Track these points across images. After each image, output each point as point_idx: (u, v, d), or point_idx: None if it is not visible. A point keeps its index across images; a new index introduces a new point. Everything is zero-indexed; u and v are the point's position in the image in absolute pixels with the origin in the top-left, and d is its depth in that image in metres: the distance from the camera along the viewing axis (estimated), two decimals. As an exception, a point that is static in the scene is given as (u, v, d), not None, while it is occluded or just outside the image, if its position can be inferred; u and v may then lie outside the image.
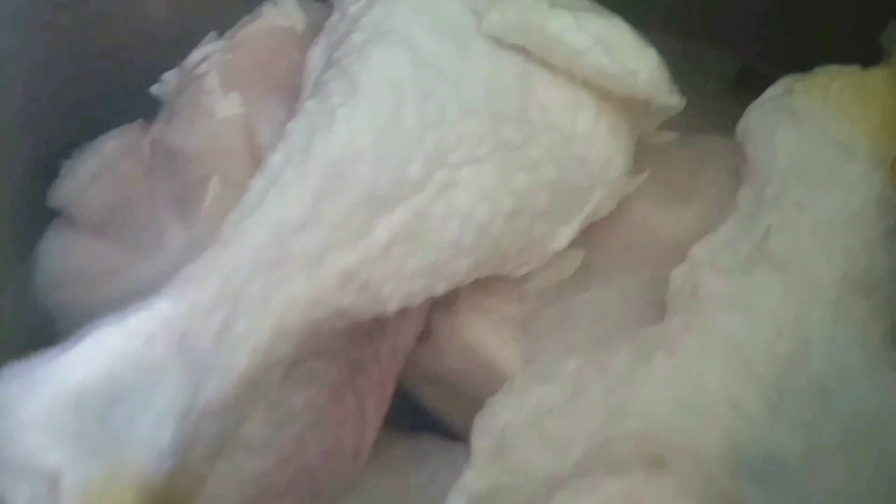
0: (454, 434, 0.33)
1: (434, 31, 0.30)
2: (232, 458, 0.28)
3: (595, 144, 0.31)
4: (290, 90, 0.33)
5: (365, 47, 0.29)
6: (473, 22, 0.30)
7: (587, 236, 0.32)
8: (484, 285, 0.31)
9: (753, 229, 0.28)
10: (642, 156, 0.33)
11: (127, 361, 0.22)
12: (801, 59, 0.32)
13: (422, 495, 0.31)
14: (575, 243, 0.31)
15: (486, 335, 0.31)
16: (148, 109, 0.36)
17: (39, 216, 0.33)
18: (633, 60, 0.30)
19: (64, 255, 0.32)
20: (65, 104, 0.36)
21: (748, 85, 0.35)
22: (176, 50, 0.36)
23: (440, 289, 0.29)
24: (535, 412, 0.27)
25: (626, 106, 0.31)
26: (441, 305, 0.32)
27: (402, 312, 0.31)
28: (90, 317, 0.29)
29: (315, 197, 0.26)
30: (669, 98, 0.31)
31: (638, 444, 0.24)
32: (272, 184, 0.26)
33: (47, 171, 0.34)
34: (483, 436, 0.27)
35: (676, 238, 0.31)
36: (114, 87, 0.36)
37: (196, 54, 0.35)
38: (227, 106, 0.33)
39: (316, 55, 0.31)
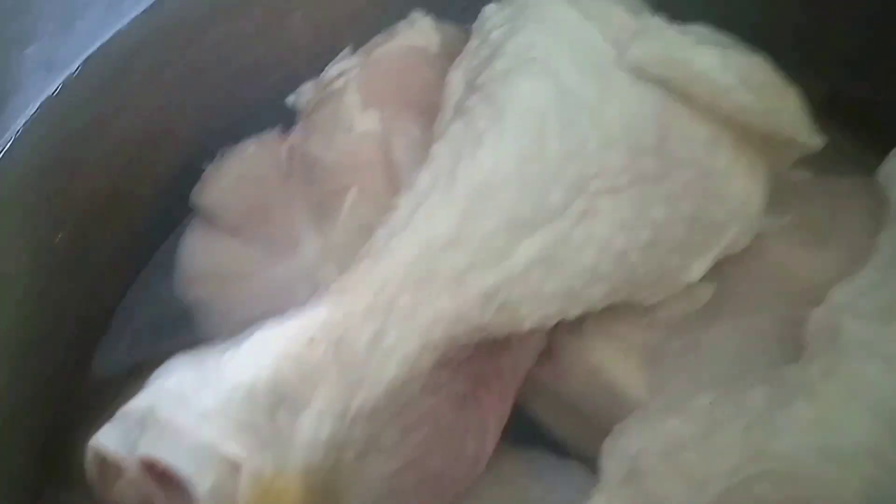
0: (567, 452, 0.34)
1: (576, 61, 0.30)
2: (365, 460, 0.28)
3: (733, 181, 0.31)
4: (423, 108, 0.34)
5: (509, 75, 0.30)
6: (614, 54, 0.31)
7: (719, 270, 0.32)
8: (613, 310, 0.31)
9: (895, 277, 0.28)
10: (777, 193, 0.33)
11: (291, 362, 0.23)
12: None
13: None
14: (707, 276, 0.32)
15: (613, 361, 0.32)
16: (282, 119, 0.37)
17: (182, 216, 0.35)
18: (776, 99, 0.31)
19: (203, 254, 0.34)
20: (207, 112, 0.37)
21: (837, 111, 0.34)
22: (312, 64, 0.38)
23: (574, 312, 0.29)
24: (670, 444, 0.27)
25: (765, 144, 0.31)
26: (566, 326, 0.33)
27: (528, 331, 0.32)
28: (225, 314, 0.31)
29: (461, 218, 0.27)
30: (810, 138, 0.31)
31: (780, 486, 0.24)
32: (419, 204, 0.27)
33: (190, 174, 0.35)
34: (614, 461, 0.27)
35: (812, 279, 0.30)
36: (252, 97, 0.38)
37: (333, 69, 0.36)
38: (365, 122, 0.34)
39: (457, 79, 0.32)
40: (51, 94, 0.32)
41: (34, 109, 0.32)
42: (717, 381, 0.28)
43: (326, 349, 0.23)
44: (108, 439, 0.20)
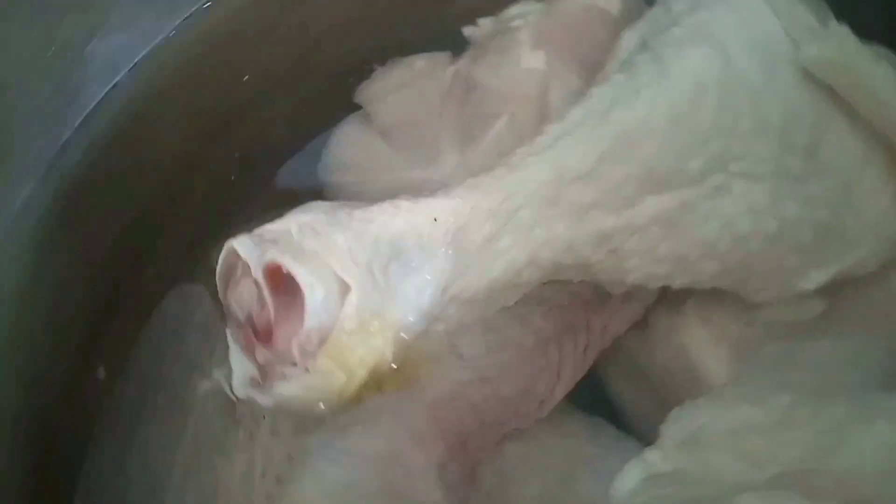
0: (627, 429, 0.34)
1: (750, 46, 0.30)
2: (441, 360, 0.30)
3: (876, 201, 0.31)
4: (589, 63, 0.35)
5: (683, 42, 0.30)
6: (790, 50, 0.31)
7: (837, 288, 0.31)
8: (717, 297, 0.32)
9: None
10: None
11: (414, 231, 0.25)
12: None
13: (587, 466, 0.32)
14: (822, 290, 0.31)
15: (704, 344, 0.32)
16: (456, 46, 0.39)
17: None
18: None
19: (352, 145, 0.36)
20: (382, 22, 0.40)
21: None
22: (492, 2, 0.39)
23: (679, 282, 0.30)
24: (737, 425, 0.27)
25: None
26: (666, 302, 0.33)
27: (627, 296, 0.33)
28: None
29: (600, 158, 0.28)
30: None
31: (842, 485, 0.24)
32: (566, 133, 0.28)
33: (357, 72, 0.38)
34: (677, 426, 0.27)
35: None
36: (432, 19, 0.40)
37: (514, 9, 0.38)
38: (532, 59, 0.35)
39: (630, 37, 0.33)
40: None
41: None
42: (803, 391, 0.28)
43: (447, 231, 0.25)
44: (242, 244, 0.23)
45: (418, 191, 0.30)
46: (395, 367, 0.24)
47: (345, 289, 0.22)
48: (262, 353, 0.23)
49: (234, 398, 0.24)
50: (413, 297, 0.24)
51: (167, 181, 0.34)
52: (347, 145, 0.37)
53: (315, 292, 0.22)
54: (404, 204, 0.25)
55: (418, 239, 0.24)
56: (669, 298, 0.33)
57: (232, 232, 0.24)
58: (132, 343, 0.34)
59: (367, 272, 0.23)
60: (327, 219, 0.24)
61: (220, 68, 0.35)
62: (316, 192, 0.36)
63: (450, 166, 0.35)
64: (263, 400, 0.23)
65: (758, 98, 0.30)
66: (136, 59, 0.33)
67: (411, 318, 0.24)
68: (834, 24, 0.32)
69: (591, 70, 0.34)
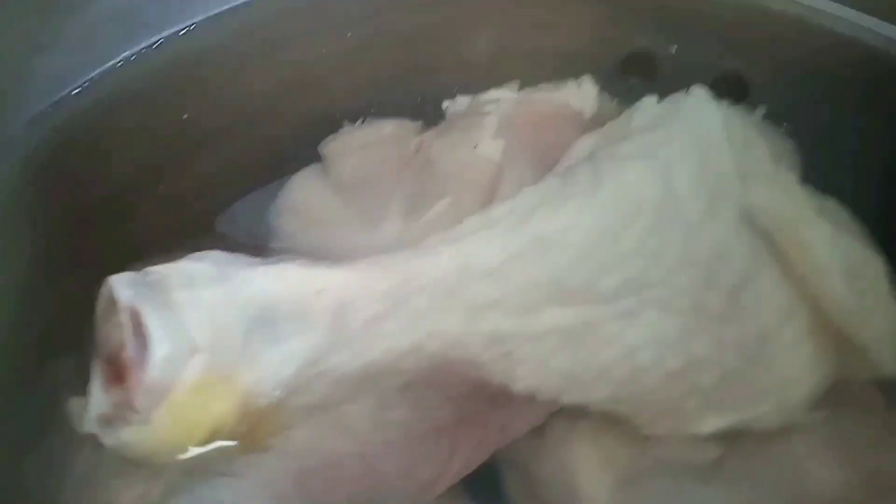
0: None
1: (697, 176, 0.30)
2: (324, 425, 0.30)
3: (789, 359, 0.30)
4: (548, 163, 0.35)
5: (627, 159, 0.30)
6: (736, 189, 0.30)
7: (735, 437, 0.30)
8: (613, 420, 0.31)
9: None
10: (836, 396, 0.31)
11: (294, 299, 0.25)
12: None
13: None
14: (717, 436, 0.31)
15: (591, 467, 0.31)
16: (430, 117, 0.40)
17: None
18: (873, 310, 0.29)
19: (306, 194, 0.37)
20: (363, 81, 0.40)
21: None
22: (481, 82, 0.40)
23: (568, 398, 0.29)
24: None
25: (840, 343, 0.30)
26: (566, 414, 0.33)
27: (531, 400, 0.33)
28: (295, 248, 0.33)
29: (509, 258, 0.28)
30: (890, 365, 0.29)
31: None
32: (483, 227, 0.29)
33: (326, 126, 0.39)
34: None
35: (819, 489, 0.29)
36: (416, 87, 0.41)
37: (493, 93, 0.39)
38: (490, 147, 0.36)
39: (583, 146, 0.33)
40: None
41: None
42: None
43: (329, 305, 0.25)
44: (120, 281, 0.24)
45: (353, 252, 0.30)
46: (237, 435, 0.24)
47: (193, 349, 0.23)
48: (116, 393, 0.24)
49: (82, 432, 0.24)
50: (274, 367, 0.24)
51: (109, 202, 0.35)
52: (301, 193, 0.37)
53: (161, 346, 0.22)
54: (293, 271, 0.25)
55: (296, 308, 0.25)
56: (569, 411, 0.33)
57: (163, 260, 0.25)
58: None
59: (224, 335, 0.23)
60: (214, 271, 0.24)
61: (176, 101, 0.35)
62: (260, 236, 0.36)
63: (390, 234, 0.35)
64: (104, 439, 0.23)
65: (692, 230, 0.30)
66: (85, 79, 0.34)
67: (265, 388, 0.24)
68: (783, 170, 0.32)
69: (548, 168, 0.35)
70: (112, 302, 0.24)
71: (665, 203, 0.29)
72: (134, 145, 0.34)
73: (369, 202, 0.36)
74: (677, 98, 0.33)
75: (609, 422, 0.31)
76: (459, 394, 0.33)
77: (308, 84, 0.38)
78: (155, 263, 0.25)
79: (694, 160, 0.30)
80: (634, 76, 0.42)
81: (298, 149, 0.38)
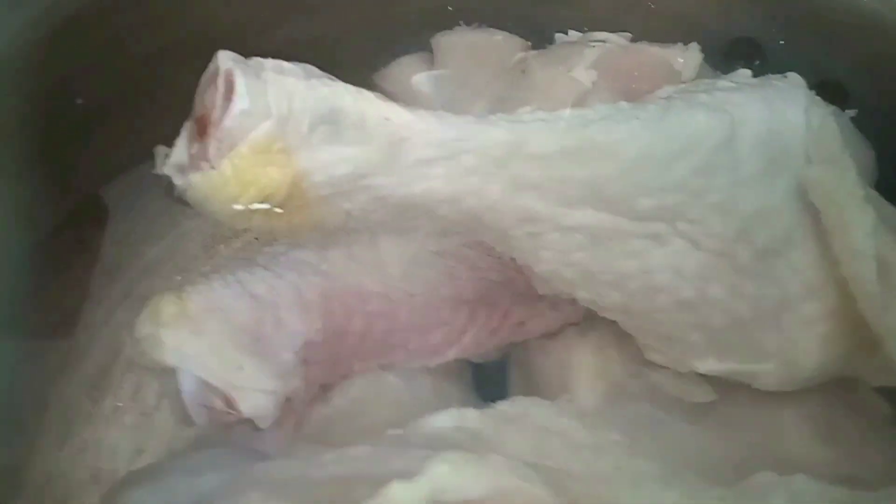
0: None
1: (762, 141, 0.31)
2: (359, 258, 0.33)
3: (802, 332, 0.31)
4: (627, 99, 0.37)
5: (699, 106, 0.32)
6: (800, 164, 0.31)
7: (732, 386, 0.31)
8: (620, 340, 0.33)
9: None
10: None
11: (361, 115, 0.28)
12: None
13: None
14: (716, 382, 0.32)
15: (587, 372, 0.33)
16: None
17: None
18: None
19: (407, 71, 0.41)
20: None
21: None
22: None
23: (581, 295, 0.31)
24: (552, 430, 0.28)
25: (857, 341, 0.30)
26: (581, 325, 0.35)
27: (554, 306, 0.35)
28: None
29: (561, 151, 0.30)
30: None
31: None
32: (546, 119, 0.30)
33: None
34: (510, 406, 0.29)
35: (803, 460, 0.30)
36: (533, 17, 0.43)
37: (602, 34, 0.41)
38: (583, 74, 0.38)
39: (665, 91, 0.35)
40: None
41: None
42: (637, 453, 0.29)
43: (389, 133, 0.28)
44: (224, 55, 0.27)
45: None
46: (283, 209, 0.27)
47: (268, 114, 0.26)
48: (195, 146, 0.27)
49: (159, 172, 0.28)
50: (328, 161, 0.27)
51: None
52: (404, 70, 0.41)
53: (242, 101, 0.26)
54: (369, 93, 0.28)
55: (361, 122, 0.28)
56: (586, 324, 0.34)
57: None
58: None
59: (295, 116, 0.26)
60: (300, 70, 0.28)
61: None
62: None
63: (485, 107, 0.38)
64: (176, 180, 0.27)
65: (739, 185, 0.31)
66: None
67: (318, 177, 0.27)
68: (846, 156, 0.32)
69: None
70: (215, 73, 0.28)
71: (721, 151, 0.31)
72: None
73: (461, 94, 0.39)
74: (771, 76, 0.34)
75: (616, 340, 0.33)
76: (491, 279, 0.35)
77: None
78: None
79: (763, 127, 0.31)
80: (740, 61, 0.43)
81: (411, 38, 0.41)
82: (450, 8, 0.42)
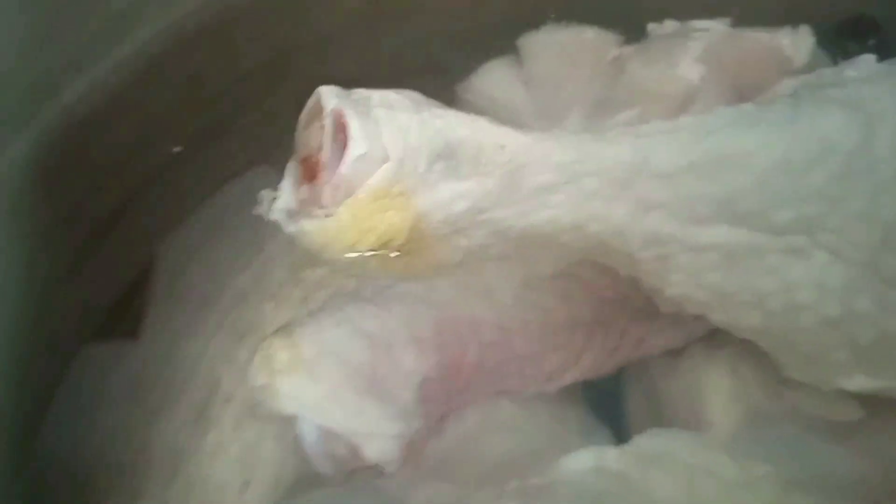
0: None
1: None
2: (471, 287, 0.32)
3: None
4: (745, 100, 0.35)
5: (832, 102, 0.29)
6: None
7: (880, 405, 0.29)
8: (754, 357, 0.31)
9: None
10: None
11: (476, 145, 0.26)
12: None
13: (560, 449, 0.32)
14: (862, 400, 0.30)
15: (722, 396, 0.32)
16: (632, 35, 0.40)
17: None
18: None
19: (495, 78, 0.39)
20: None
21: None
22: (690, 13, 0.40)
23: (716, 318, 0.29)
24: (700, 468, 0.27)
25: None
26: (706, 341, 0.33)
27: (675, 321, 0.33)
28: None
29: (688, 166, 0.28)
30: None
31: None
32: (668, 131, 0.29)
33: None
34: (648, 441, 0.28)
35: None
36: (621, 6, 0.41)
37: (702, 23, 0.38)
38: (690, 70, 0.36)
39: (788, 85, 0.33)
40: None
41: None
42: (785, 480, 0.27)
43: (506, 161, 0.26)
44: (327, 91, 0.26)
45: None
46: (401, 252, 0.25)
47: (385, 157, 0.24)
48: (304, 191, 0.26)
49: (267, 218, 0.27)
50: (446, 199, 0.26)
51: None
52: (493, 77, 0.39)
53: (359, 146, 0.24)
54: (482, 121, 0.27)
55: (478, 154, 0.26)
56: (711, 339, 0.32)
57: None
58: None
59: (411, 155, 0.25)
60: (410, 102, 0.26)
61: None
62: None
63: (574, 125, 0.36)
64: (287, 227, 0.26)
65: (881, 189, 0.28)
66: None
67: (437, 217, 0.26)
68: None
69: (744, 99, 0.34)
70: (317, 110, 0.26)
71: (859, 154, 0.28)
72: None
73: (555, 99, 0.37)
74: None
75: (750, 358, 0.31)
76: (606, 297, 0.33)
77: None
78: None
79: None
80: (853, 40, 0.40)
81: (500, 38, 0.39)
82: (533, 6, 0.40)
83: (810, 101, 0.30)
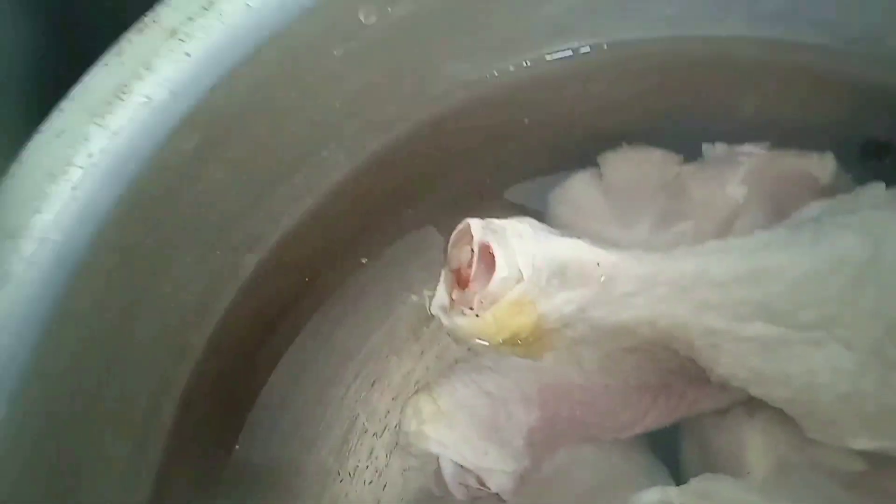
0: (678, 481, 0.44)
1: None
2: (566, 359, 0.42)
3: None
4: (779, 214, 0.44)
5: (848, 228, 0.38)
6: None
7: (879, 457, 0.38)
8: (785, 420, 0.40)
9: None
10: None
11: (580, 264, 0.36)
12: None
13: (628, 486, 0.42)
14: (869, 455, 0.39)
15: (758, 449, 0.40)
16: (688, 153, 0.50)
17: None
18: None
19: (581, 189, 0.48)
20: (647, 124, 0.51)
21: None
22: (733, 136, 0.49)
23: (754, 391, 0.39)
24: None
25: None
26: (749, 405, 0.42)
27: (722, 388, 0.42)
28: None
29: (736, 277, 0.37)
30: None
31: None
32: (721, 250, 0.38)
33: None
34: (703, 483, 0.36)
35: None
36: (679, 129, 0.51)
37: (748, 147, 0.48)
38: (736, 190, 0.45)
39: (813, 208, 0.42)
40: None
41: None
42: None
43: (601, 274, 0.36)
44: (475, 224, 0.36)
45: (607, 242, 0.41)
46: (522, 342, 0.36)
47: (520, 278, 0.35)
48: (457, 294, 0.36)
49: (429, 313, 0.37)
50: (560, 304, 0.36)
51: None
52: (578, 188, 0.49)
53: (502, 271, 0.34)
54: (585, 245, 0.37)
55: (581, 269, 0.36)
56: (750, 405, 0.42)
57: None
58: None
59: (538, 274, 0.35)
60: (531, 231, 0.36)
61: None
62: (538, 214, 0.48)
63: (639, 236, 0.46)
64: (444, 321, 0.36)
65: (884, 292, 0.37)
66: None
67: (552, 317, 0.36)
68: None
69: (778, 218, 0.44)
70: (465, 234, 0.37)
71: (868, 267, 0.37)
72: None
73: (629, 208, 0.47)
74: None
75: (781, 420, 0.40)
76: (669, 367, 0.43)
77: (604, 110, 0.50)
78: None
79: None
80: (871, 160, 0.49)
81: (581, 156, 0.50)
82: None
83: (830, 225, 0.39)
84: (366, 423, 0.49)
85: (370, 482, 0.48)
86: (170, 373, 0.45)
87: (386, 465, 0.49)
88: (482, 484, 0.39)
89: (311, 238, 0.49)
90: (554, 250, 0.36)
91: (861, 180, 0.45)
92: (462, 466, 0.39)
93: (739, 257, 0.38)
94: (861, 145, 0.49)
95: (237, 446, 0.47)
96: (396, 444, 0.47)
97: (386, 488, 0.48)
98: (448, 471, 0.39)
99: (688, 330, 0.38)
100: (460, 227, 0.37)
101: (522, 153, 0.50)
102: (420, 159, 0.50)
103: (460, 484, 0.39)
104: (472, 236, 0.36)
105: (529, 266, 0.35)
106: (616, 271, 0.37)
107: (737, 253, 0.38)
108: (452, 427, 0.39)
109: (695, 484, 0.37)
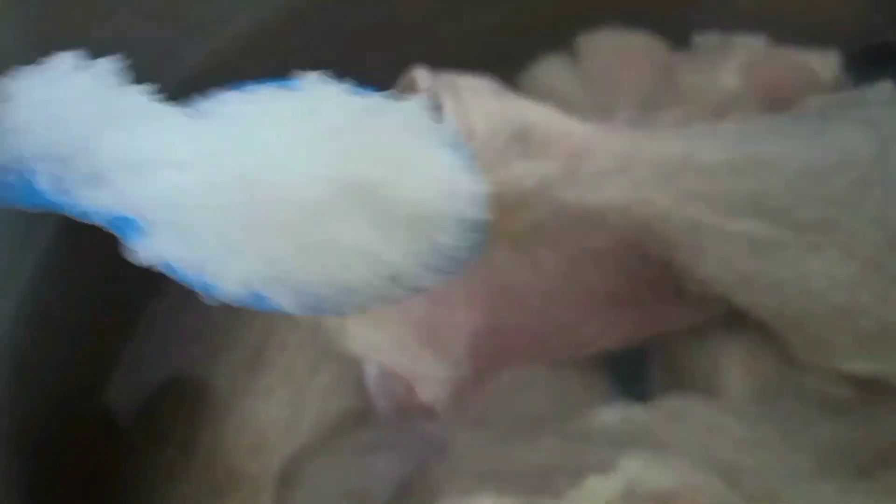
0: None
1: None
2: (523, 260, 0.35)
3: None
4: (776, 108, 0.39)
5: (853, 123, 0.33)
6: None
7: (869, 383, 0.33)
8: (767, 341, 0.35)
9: None
10: None
11: (545, 130, 0.30)
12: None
13: (585, 408, 0.36)
14: (854, 380, 0.33)
15: (738, 369, 0.35)
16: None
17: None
18: None
19: (553, 72, 0.42)
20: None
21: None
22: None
23: (740, 299, 0.33)
24: (711, 423, 0.31)
25: None
26: (726, 323, 0.37)
27: (698, 302, 0.37)
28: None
29: (726, 163, 0.32)
30: None
31: None
32: (711, 134, 0.33)
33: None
34: (669, 402, 0.31)
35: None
36: (667, 15, 0.45)
37: (743, 38, 0.42)
38: (730, 80, 0.39)
39: (815, 101, 0.37)
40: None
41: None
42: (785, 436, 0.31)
43: (570, 147, 0.31)
44: (423, 72, 0.30)
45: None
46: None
47: (473, 135, 0.28)
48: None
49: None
50: (520, 177, 0.30)
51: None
52: (550, 73, 0.42)
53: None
54: (553, 111, 0.30)
55: (547, 139, 0.30)
56: (731, 321, 0.36)
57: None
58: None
59: (493, 135, 0.29)
60: (491, 89, 0.30)
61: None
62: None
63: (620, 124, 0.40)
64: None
65: (891, 196, 0.32)
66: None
67: (511, 192, 0.30)
68: None
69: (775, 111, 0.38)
70: (411, 84, 0.30)
71: (874, 167, 0.32)
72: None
73: (608, 96, 0.41)
74: None
75: (762, 341, 0.35)
76: (639, 277, 0.37)
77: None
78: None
79: None
80: (874, 65, 0.44)
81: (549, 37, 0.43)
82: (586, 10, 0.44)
83: (835, 118, 0.34)
84: (285, 336, 0.42)
85: (286, 402, 0.42)
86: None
87: (306, 385, 0.42)
88: (411, 392, 0.33)
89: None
90: (516, 110, 0.30)
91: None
92: (390, 371, 0.33)
93: (732, 143, 0.32)
94: (863, 49, 0.43)
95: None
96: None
97: (304, 408, 0.42)
98: (373, 375, 0.33)
99: (668, 222, 0.32)
100: (405, 78, 0.30)
101: (485, 30, 0.43)
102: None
103: (385, 391, 0.33)
104: (419, 88, 0.29)
105: (483, 123, 0.28)
106: (588, 145, 0.31)
107: (730, 138, 0.33)
108: (381, 325, 0.33)
109: (664, 403, 0.32)
